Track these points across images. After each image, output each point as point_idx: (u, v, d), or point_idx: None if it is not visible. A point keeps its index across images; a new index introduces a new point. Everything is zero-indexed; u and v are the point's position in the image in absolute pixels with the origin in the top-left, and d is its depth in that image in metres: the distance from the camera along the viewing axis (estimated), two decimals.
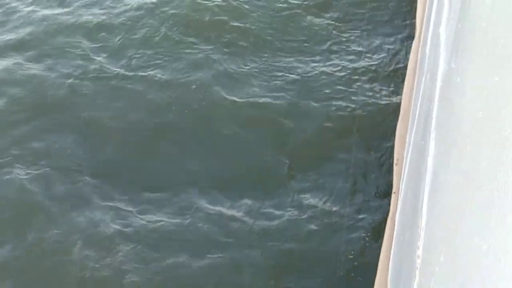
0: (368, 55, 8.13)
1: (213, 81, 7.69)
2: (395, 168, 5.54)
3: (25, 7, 9.38)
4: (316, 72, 7.82)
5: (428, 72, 4.15)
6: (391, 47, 8.17)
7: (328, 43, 8.23)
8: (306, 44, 8.24)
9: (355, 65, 7.90)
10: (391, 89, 7.50)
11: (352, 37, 8.34)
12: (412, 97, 5.52)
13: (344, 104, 7.34)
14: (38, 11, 9.32)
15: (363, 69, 7.84)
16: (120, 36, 8.51)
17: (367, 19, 8.55)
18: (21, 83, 7.88)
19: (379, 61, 8.01)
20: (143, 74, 7.89)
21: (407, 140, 5.09)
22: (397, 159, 5.47)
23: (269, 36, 8.44)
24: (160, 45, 8.39)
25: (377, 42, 8.29)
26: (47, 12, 9.24)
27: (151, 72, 7.92)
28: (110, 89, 7.66)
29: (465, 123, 2.06)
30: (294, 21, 8.67)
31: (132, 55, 8.22)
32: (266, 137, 6.92)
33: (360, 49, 8.13)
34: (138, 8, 9.18)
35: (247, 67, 8.04)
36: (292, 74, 7.85)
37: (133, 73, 7.89)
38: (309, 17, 8.64)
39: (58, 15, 9.20)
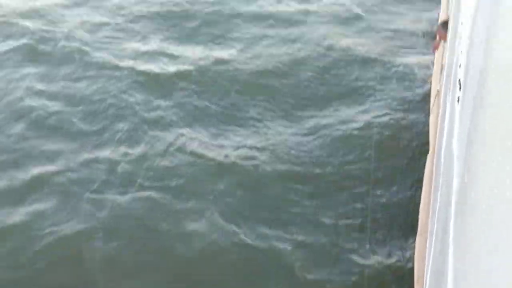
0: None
1: None
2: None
3: None
4: None
5: (443, 186, 4.08)
6: (404, 161, 8.18)
7: None
8: None
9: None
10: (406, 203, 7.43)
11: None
12: (429, 212, 5.40)
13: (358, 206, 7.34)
14: None
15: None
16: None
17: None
18: None
19: (394, 190, 7.95)
20: None
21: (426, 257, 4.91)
22: (418, 277, 5.27)
23: None
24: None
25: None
26: None
27: None
28: None
29: (481, 242, 1.97)
30: None
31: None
32: None
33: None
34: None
35: None
36: None
37: None
38: None
39: None
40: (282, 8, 11.82)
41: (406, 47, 10.46)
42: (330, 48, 10.29)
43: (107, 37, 11.13)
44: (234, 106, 9.07)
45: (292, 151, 8.24)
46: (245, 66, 9.89)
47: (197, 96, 9.29)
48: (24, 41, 10.91)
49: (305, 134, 8.54)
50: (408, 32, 10.91)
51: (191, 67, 9.94)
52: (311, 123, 8.77)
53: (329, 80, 9.62)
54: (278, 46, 10.46)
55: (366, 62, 10.01)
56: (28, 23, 11.56)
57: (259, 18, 11.33)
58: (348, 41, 10.57)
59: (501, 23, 2.16)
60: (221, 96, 9.29)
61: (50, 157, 8.25)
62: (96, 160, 8.13)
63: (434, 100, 7.71)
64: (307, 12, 11.51)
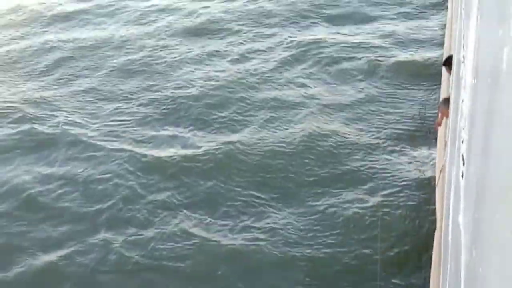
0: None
1: None
2: None
3: None
4: None
5: (451, 261, 4.03)
6: (412, 239, 8.12)
7: None
8: None
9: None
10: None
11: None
12: None
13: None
14: None
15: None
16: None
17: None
18: None
19: (403, 249, 7.92)
20: None
21: None
22: None
23: None
24: None
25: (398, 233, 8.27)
26: None
27: None
28: None
29: None
30: None
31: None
32: None
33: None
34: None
35: None
36: None
37: None
38: None
39: None
40: (286, 92, 12.04)
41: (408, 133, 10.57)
42: (333, 133, 10.35)
43: (115, 121, 11.31)
44: (237, 190, 9.10)
45: (297, 234, 8.22)
46: (251, 150, 9.97)
47: (201, 180, 9.33)
48: (26, 126, 11.07)
49: (310, 216, 8.53)
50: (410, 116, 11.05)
51: (196, 151, 10.03)
52: (317, 204, 8.78)
53: (333, 163, 9.69)
54: (282, 130, 10.56)
55: (370, 147, 10.11)
56: (30, 110, 11.78)
57: (264, 103, 11.43)
58: (351, 127, 10.67)
59: (500, 99, 2.22)
60: (226, 179, 9.35)
61: (56, 241, 8.32)
62: (96, 243, 8.19)
63: (439, 176, 7.73)
64: (309, 97, 11.67)
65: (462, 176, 3.71)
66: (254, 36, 14.00)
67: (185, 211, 8.75)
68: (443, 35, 12.39)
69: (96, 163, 9.92)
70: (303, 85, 12.08)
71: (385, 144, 10.04)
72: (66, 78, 13.19)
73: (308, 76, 12.22)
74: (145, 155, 10.02)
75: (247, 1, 15.97)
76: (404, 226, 8.27)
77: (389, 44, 13.00)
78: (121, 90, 12.46)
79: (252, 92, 11.91)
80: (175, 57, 13.57)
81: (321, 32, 13.94)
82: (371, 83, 11.79)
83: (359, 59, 12.52)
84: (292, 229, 8.24)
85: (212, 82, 12.27)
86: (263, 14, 15.14)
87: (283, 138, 10.26)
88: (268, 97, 11.62)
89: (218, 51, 13.54)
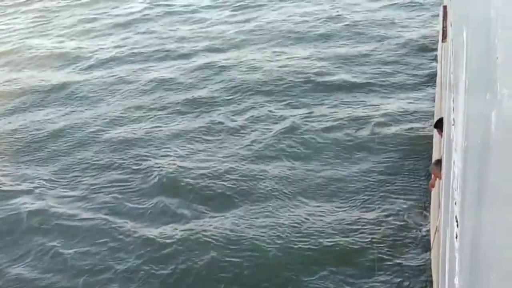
0: None
1: None
2: None
3: None
4: None
5: None
6: None
7: None
8: None
9: None
10: None
11: None
12: None
13: None
14: None
15: None
16: None
17: None
18: None
19: None
20: None
21: None
22: None
23: None
24: None
25: None
26: None
27: None
28: None
29: None
30: None
31: None
32: None
33: None
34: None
35: None
36: None
37: None
38: None
39: None
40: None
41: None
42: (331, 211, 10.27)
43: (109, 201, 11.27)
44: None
45: None
46: (244, 235, 9.71)
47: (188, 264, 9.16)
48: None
49: None
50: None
51: (188, 232, 9.82)
52: None
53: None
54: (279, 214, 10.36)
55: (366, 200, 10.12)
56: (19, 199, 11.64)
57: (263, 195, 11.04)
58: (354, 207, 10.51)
59: (491, 160, 2.25)
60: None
61: None
62: None
63: (434, 237, 7.70)
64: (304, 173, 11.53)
65: (456, 237, 3.70)
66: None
67: None
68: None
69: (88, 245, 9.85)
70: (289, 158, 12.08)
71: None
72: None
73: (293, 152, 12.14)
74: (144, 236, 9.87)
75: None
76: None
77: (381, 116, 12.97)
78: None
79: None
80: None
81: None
82: (367, 157, 11.60)
83: (348, 133, 12.43)
84: None
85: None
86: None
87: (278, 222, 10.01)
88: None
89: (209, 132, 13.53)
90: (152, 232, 9.89)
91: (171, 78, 16.52)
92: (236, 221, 9.94)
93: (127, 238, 9.75)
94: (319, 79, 15.33)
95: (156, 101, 15.25)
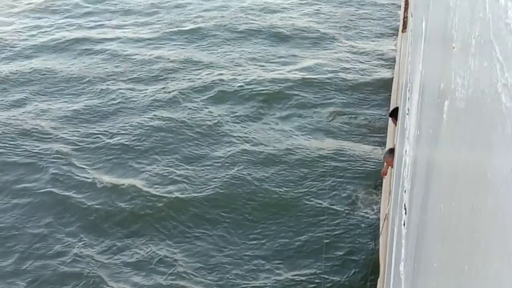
0: None
1: None
2: None
3: None
4: None
5: None
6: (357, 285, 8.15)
7: None
8: None
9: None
10: None
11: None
12: None
13: None
14: None
15: None
16: None
17: None
18: None
19: None
20: None
21: None
22: None
23: None
24: None
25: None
26: None
27: None
28: None
29: None
30: None
31: None
32: None
33: None
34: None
35: None
36: None
37: None
38: None
39: None
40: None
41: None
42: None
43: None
44: None
45: None
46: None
47: None
48: None
49: None
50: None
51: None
52: None
53: None
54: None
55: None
56: None
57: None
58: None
59: (440, 150, 2.27)
60: None
61: None
62: None
63: (383, 224, 7.81)
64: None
65: (404, 225, 3.75)
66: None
67: None
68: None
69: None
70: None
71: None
72: None
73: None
74: None
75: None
76: (349, 273, 8.30)
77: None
78: None
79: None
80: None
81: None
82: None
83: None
84: None
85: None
86: None
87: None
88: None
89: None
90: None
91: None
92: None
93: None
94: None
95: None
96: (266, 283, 8.26)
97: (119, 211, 9.78)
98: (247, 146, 11.52)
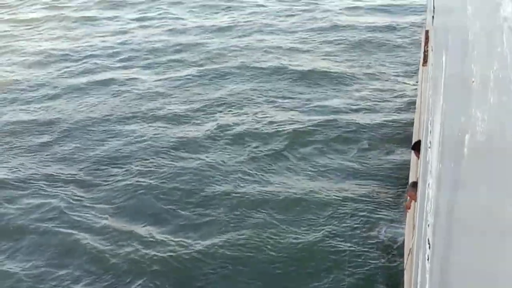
0: None
1: None
2: None
3: None
4: None
5: None
6: None
7: None
8: None
9: None
10: None
11: None
12: None
13: None
14: None
15: None
16: None
17: None
18: None
19: None
20: None
21: None
22: None
23: None
24: None
25: None
26: None
27: None
28: None
29: None
30: None
31: None
32: None
33: None
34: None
35: None
36: None
37: None
38: None
39: None
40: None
41: None
42: None
43: None
44: None
45: None
46: None
47: None
48: None
49: None
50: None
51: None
52: None
53: None
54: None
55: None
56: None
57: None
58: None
59: (462, 186, 2.25)
60: None
61: None
62: None
63: (407, 258, 7.70)
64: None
65: (428, 260, 3.70)
66: None
67: None
68: None
69: None
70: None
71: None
72: None
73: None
74: None
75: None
76: None
77: None
78: None
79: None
80: None
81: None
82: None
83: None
84: None
85: None
86: None
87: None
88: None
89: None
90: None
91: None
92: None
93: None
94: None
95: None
96: None
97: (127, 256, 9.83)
98: (268, 188, 11.47)
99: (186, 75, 17.46)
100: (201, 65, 18.15)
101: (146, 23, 23.38)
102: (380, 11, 23.04)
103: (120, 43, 21.02)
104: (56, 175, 12.35)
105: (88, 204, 11.18)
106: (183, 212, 10.71)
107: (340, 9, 23.61)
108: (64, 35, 22.71)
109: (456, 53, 3.06)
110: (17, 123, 15.12)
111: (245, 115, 14.58)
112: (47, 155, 13.34)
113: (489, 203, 1.50)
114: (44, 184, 11.99)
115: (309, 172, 11.90)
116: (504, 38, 1.31)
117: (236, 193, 11.26)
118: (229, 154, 12.77)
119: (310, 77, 16.80)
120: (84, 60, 19.47)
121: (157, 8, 25.40)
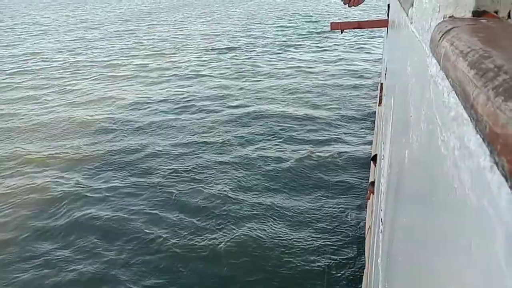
0: None
1: None
2: None
3: None
4: None
5: None
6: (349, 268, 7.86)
7: None
8: None
9: None
10: None
11: None
12: None
13: None
14: None
15: None
16: None
17: None
18: None
19: None
20: None
21: None
22: None
23: None
24: None
25: None
26: None
27: None
28: None
29: None
30: None
31: None
32: None
33: None
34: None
35: None
36: None
37: None
38: None
39: None
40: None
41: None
42: None
43: None
44: None
45: None
46: None
47: None
48: None
49: None
50: None
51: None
52: None
53: None
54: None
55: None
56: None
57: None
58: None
59: (403, 185, 2.24)
60: None
61: None
62: None
63: (367, 232, 7.60)
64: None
65: (381, 232, 3.67)
66: None
67: None
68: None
69: None
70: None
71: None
72: None
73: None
74: None
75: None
76: (343, 264, 8.02)
77: None
78: None
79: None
80: None
81: None
82: None
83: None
84: None
85: None
86: None
87: None
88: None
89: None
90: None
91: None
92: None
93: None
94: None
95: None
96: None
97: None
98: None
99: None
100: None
101: None
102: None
103: None
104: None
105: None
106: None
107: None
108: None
109: (400, 98, 3.05)
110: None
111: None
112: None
113: (417, 197, 1.51)
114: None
115: (288, 186, 10.80)
116: (430, 88, 1.33)
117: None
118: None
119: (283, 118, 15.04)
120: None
121: None
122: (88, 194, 10.72)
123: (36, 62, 26.30)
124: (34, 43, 30.52)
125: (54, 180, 11.44)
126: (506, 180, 0.56)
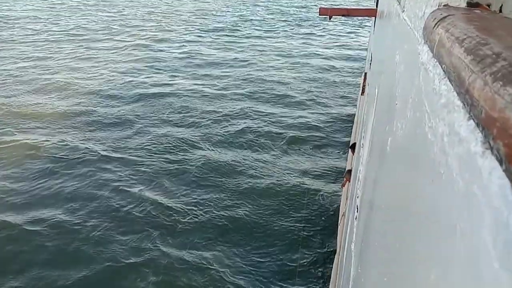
0: None
1: None
2: None
3: None
4: None
5: (344, 275, 3.97)
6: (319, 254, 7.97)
7: None
8: None
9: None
10: None
11: None
12: None
13: None
14: None
15: None
16: None
17: None
18: None
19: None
20: None
21: None
22: None
23: None
24: None
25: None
26: None
27: None
28: None
29: None
30: None
31: None
32: None
33: None
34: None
35: None
36: None
37: None
38: None
39: None
40: None
41: None
42: None
43: None
44: None
45: None
46: None
47: None
48: None
49: None
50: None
51: None
52: None
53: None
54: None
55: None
56: None
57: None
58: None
59: (383, 170, 2.25)
60: None
61: None
62: None
63: (341, 218, 7.71)
64: None
65: (356, 218, 3.72)
66: None
67: None
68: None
69: None
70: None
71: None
72: None
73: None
74: None
75: None
76: (315, 249, 8.12)
77: None
78: None
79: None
80: None
81: None
82: None
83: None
84: None
85: None
86: None
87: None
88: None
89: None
90: None
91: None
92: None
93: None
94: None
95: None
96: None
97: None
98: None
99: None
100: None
101: None
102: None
103: None
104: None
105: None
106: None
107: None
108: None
109: (386, 87, 3.05)
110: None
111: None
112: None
113: (399, 183, 1.51)
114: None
115: (273, 164, 11.11)
116: (420, 76, 1.32)
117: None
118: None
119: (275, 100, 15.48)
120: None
121: None
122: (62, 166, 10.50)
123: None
124: None
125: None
126: (501, 164, 0.56)
